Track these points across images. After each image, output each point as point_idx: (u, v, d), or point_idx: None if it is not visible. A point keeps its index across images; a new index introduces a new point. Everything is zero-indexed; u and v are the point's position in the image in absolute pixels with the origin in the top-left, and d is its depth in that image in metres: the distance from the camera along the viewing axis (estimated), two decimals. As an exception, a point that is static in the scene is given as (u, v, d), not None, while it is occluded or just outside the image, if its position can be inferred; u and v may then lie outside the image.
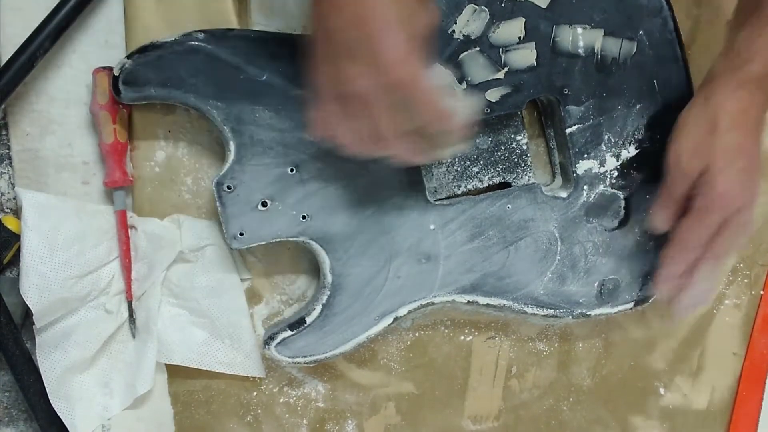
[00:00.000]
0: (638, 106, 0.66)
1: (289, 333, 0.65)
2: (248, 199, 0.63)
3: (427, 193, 0.66)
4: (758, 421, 0.76)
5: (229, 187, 0.63)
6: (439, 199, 0.67)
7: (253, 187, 0.63)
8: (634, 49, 0.66)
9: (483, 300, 0.66)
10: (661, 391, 0.75)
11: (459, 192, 0.69)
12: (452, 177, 0.69)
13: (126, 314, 0.69)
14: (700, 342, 0.75)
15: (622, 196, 0.67)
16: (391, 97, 0.50)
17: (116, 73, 0.62)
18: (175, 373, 0.70)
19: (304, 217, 0.64)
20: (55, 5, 0.65)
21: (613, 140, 0.67)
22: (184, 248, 0.68)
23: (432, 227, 0.66)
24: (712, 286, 0.63)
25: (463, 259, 0.66)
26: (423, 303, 0.66)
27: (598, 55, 0.65)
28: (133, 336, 0.69)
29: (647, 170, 0.67)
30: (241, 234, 0.64)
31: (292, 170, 0.64)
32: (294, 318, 0.66)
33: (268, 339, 0.65)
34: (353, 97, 0.51)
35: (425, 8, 0.52)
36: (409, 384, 0.73)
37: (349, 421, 0.73)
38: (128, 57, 0.62)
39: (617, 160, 0.67)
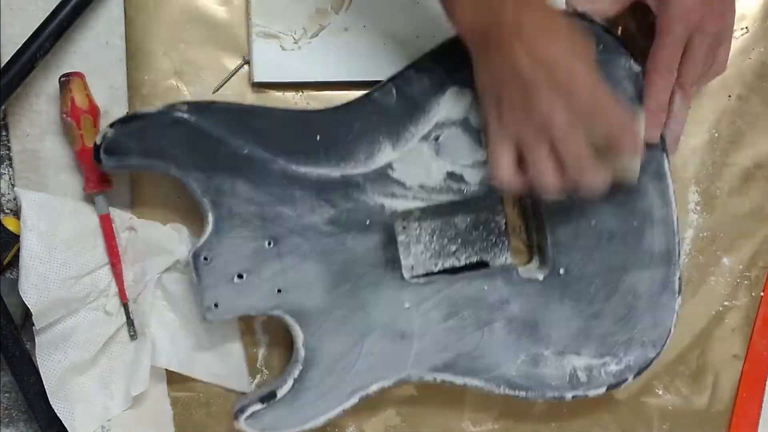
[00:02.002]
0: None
1: (260, 406, 0.64)
2: (224, 271, 0.63)
3: (403, 270, 0.66)
4: (758, 423, 0.75)
5: (206, 258, 0.63)
6: (415, 277, 0.67)
7: (229, 259, 0.63)
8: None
9: (456, 380, 0.66)
10: (660, 392, 0.75)
11: (436, 270, 0.69)
12: (429, 255, 0.69)
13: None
14: (699, 343, 0.75)
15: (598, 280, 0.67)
16: (587, 123, 0.56)
17: (98, 142, 0.62)
18: (175, 374, 0.70)
19: (279, 291, 0.64)
20: (55, 6, 0.65)
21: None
22: (181, 259, 0.68)
23: (407, 305, 0.66)
24: (681, 119, 0.65)
25: (437, 338, 0.66)
26: (395, 381, 0.66)
27: None
28: (131, 337, 0.69)
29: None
30: (216, 305, 0.63)
31: (269, 243, 0.64)
32: (265, 391, 0.65)
33: (238, 411, 0.65)
34: (549, 131, 0.56)
35: (588, 38, 0.58)
36: (409, 386, 0.72)
37: (349, 423, 0.72)
38: (111, 126, 0.62)
39: (595, 244, 0.67)
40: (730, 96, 0.74)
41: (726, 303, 0.75)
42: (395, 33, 0.70)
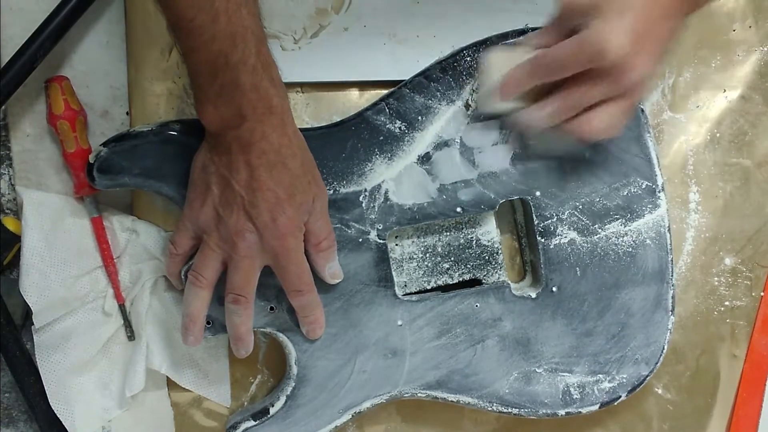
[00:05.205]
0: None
1: (252, 423, 0.65)
2: (217, 289, 0.63)
3: (396, 288, 0.66)
4: (758, 423, 0.75)
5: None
6: (408, 294, 0.67)
7: (222, 278, 0.63)
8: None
9: (449, 397, 0.66)
10: (660, 392, 0.75)
11: (429, 287, 0.69)
12: (422, 272, 0.69)
13: (124, 316, 0.70)
14: (699, 343, 0.74)
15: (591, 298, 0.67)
16: (267, 260, 0.60)
17: (91, 161, 0.62)
18: (175, 375, 0.70)
19: (271, 309, 0.65)
20: (55, 6, 0.66)
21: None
22: None
23: (400, 323, 0.66)
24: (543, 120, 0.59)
25: (429, 355, 0.66)
26: (387, 398, 0.66)
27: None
28: (128, 338, 0.69)
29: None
30: (209, 324, 0.64)
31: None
32: (257, 408, 0.66)
33: (231, 428, 0.65)
34: (231, 247, 0.59)
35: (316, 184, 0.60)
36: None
37: (350, 423, 0.72)
38: (104, 145, 0.63)
39: (588, 261, 0.67)
40: (726, 93, 0.74)
41: (727, 303, 0.75)
42: (395, 33, 0.70)
